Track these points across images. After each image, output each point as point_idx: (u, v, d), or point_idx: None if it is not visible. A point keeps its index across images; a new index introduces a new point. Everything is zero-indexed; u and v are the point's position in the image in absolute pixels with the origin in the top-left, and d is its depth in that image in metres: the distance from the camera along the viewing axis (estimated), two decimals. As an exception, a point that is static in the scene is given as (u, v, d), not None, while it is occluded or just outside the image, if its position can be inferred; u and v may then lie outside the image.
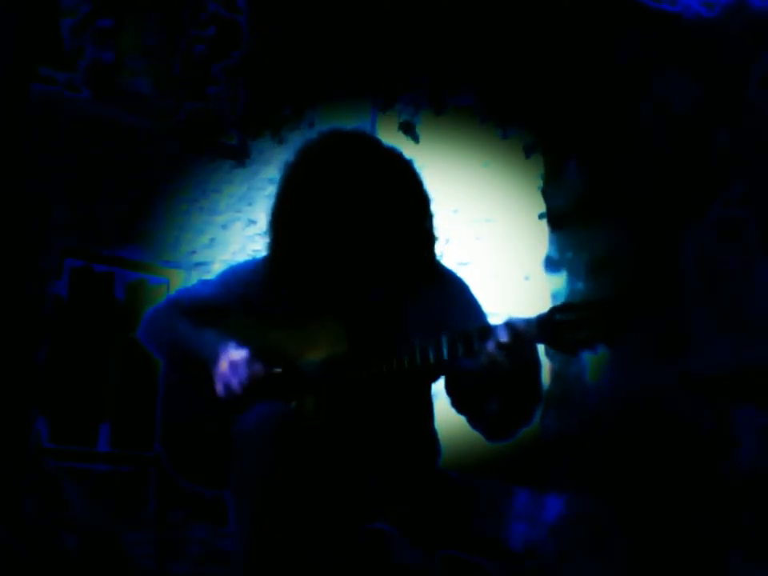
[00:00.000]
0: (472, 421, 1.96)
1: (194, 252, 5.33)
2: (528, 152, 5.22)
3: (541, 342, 1.75)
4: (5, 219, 4.56)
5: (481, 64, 5.14)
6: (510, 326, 1.73)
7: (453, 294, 2.05)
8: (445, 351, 1.80)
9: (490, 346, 1.74)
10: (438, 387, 2.05)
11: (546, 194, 5.28)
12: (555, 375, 4.93)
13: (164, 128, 5.12)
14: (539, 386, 1.85)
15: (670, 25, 4.48)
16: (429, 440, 2.08)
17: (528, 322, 1.75)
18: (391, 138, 5.01)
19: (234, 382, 1.90)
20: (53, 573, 4.47)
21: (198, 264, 5.31)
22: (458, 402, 1.97)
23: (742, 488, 3.98)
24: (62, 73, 5.05)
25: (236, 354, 1.93)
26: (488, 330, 1.77)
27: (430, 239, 2.06)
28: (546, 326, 1.72)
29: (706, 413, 4.14)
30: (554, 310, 1.74)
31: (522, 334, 1.73)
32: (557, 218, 5.22)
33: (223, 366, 1.92)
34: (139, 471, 5.06)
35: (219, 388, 1.92)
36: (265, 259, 2.10)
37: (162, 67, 5.18)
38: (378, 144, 2.07)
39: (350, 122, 5.15)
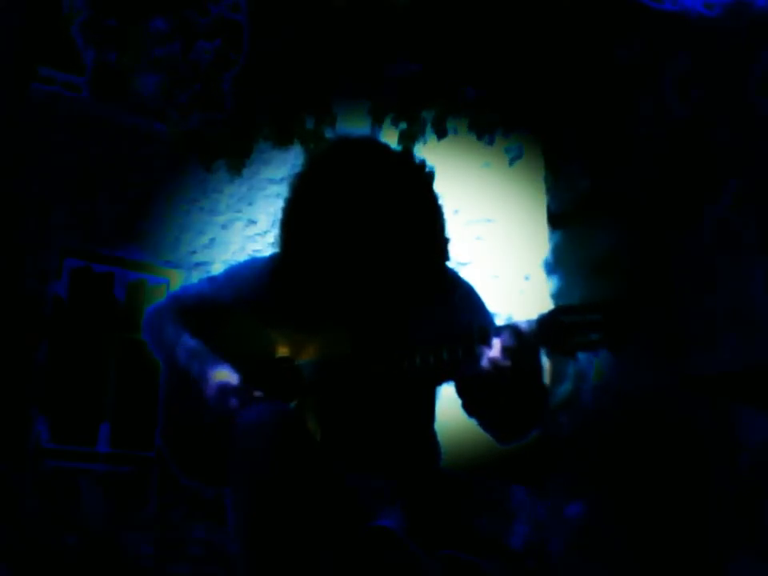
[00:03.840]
0: (482, 424, 1.95)
1: (194, 252, 5.33)
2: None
3: (542, 344, 1.73)
4: (5, 219, 4.56)
5: (481, 63, 5.13)
6: (510, 328, 1.72)
7: (460, 298, 2.04)
8: (444, 354, 1.80)
9: (492, 348, 1.73)
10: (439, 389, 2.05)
11: (547, 193, 5.28)
12: (555, 375, 4.93)
13: (166, 128, 5.12)
14: (543, 387, 1.84)
15: (670, 25, 4.48)
16: (429, 441, 2.08)
17: (529, 324, 1.73)
18: (391, 138, 5.01)
19: (219, 410, 1.91)
20: (53, 572, 4.47)
21: (198, 264, 5.31)
22: (468, 406, 1.96)
23: (742, 489, 3.98)
24: (62, 73, 5.05)
25: (225, 379, 1.94)
26: (487, 333, 1.76)
27: (439, 243, 2.04)
28: (548, 329, 1.71)
29: (707, 414, 4.14)
30: (556, 312, 1.73)
31: (523, 336, 1.71)
32: (557, 218, 5.22)
33: (211, 390, 1.93)
34: (139, 471, 5.06)
35: (207, 412, 1.94)
36: (271, 259, 2.09)
37: (164, 68, 5.18)
38: (386, 149, 2.06)
39: (350, 125, 5.15)
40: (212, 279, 2.19)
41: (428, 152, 5.05)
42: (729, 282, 4.16)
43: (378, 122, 5.14)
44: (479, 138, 5.23)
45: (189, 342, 2.04)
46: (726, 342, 4.10)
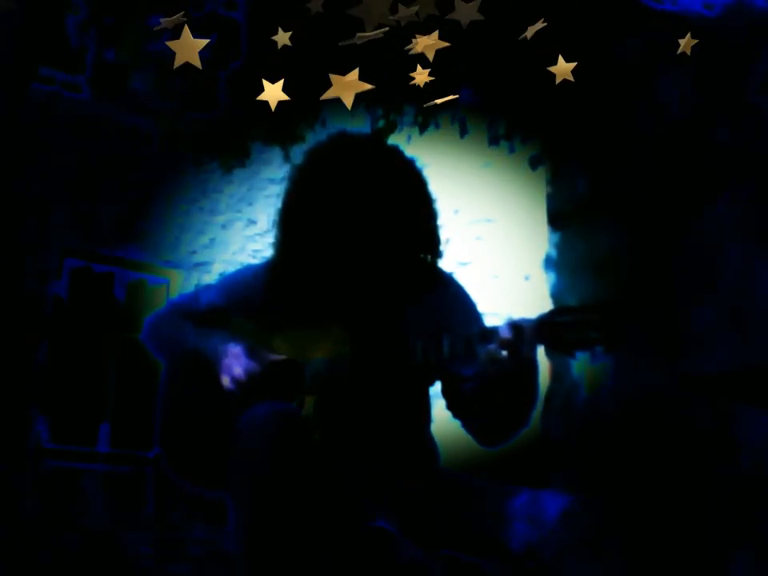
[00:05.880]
0: (467, 425, 1.96)
1: (194, 252, 5.32)
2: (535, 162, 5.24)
3: (540, 342, 1.76)
4: (5, 219, 4.56)
5: (480, 63, 5.13)
6: (511, 325, 1.74)
7: (453, 297, 2.05)
8: (445, 350, 1.81)
9: (492, 345, 1.75)
10: (437, 390, 2.05)
11: (547, 193, 5.28)
12: (555, 376, 4.93)
13: (166, 128, 5.12)
14: (536, 386, 1.85)
15: (670, 25, 4.48)
16: (427, 441, 2.09)
17: (528, 321, 1.75)
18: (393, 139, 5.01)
19: (239, 372, 1.92)
20: (53, 572, 4.47)
21: (198, 264, 5.31)
22: (454, 405, 1.97)
23: (742, 489, 3.98)
24: (62, 73, 5.04)
25: (238, 347, 1.95)
26: (489, 331, 1.77)
27: (434, 240, 2.06)
28: (546, 327, 1.73)
29: (706, 413, 4.14)
30: (553, 313, 1.75)
31: (522, 331, 1.73)
32: (557, 218, 5.22)
33: (227, 358, 1.94)
34: (139, 471, 5.06)
35: (225, 381, 1.93)
36: (266, 263, 2.11)
37: (161, 66, 5.18)
38: (380, 144, 2.08)
39: (349, 123, 5.15)
40: (207, 287, 2.22)
41: (428, 152, 5.05)
42: (729, 281, 4.16)
43: (375, 122, 5.14)
44: (479, 137, 5.22)
45: (194, 329, 2.06)
46: (726, 341, 4.09)
